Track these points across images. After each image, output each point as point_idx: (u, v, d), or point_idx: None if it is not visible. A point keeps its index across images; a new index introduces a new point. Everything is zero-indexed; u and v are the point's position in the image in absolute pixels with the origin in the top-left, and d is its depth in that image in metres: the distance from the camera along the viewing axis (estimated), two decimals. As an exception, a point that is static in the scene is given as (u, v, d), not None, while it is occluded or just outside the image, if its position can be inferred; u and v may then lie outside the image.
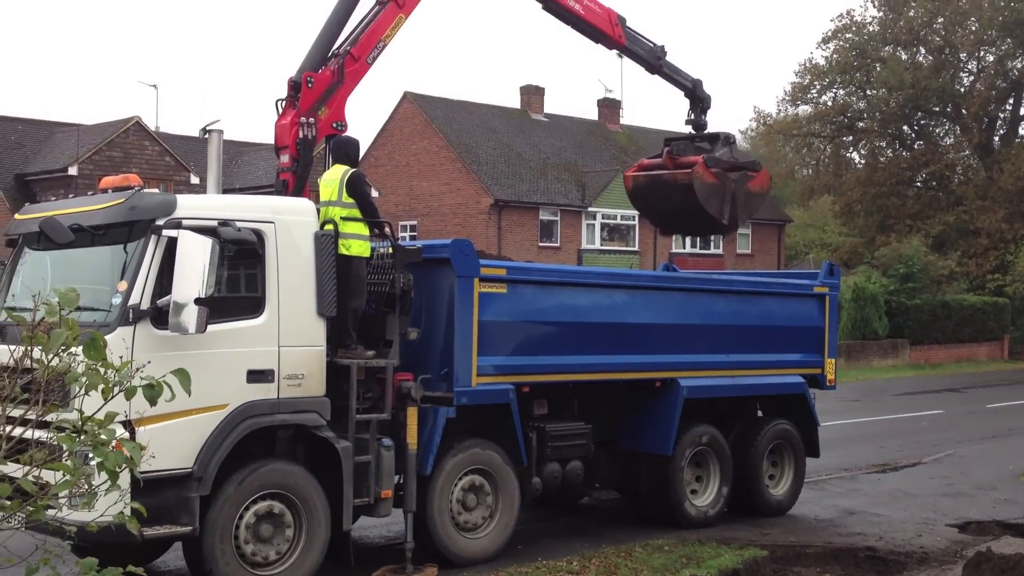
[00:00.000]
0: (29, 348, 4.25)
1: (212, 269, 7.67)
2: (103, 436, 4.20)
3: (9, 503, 4.11)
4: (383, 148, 41.92)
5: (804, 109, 53.71)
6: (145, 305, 7.75)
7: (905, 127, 54.02)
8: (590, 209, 40.16)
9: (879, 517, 12.22)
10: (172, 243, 7.82)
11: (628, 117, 47.83)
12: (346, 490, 8.65)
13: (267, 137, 10.84)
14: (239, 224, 8.19)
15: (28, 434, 4.62)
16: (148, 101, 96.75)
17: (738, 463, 11.87)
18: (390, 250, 9.40)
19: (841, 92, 53.17)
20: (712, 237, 39.28)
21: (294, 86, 10.09)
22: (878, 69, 51.29)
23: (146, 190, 8.40)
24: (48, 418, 4.60)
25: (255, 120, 73.74)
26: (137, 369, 4.35)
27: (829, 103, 53.18)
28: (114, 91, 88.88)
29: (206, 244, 7.68)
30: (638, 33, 12.90)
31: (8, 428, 4.30)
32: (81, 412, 4.26)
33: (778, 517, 12.17)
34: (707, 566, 9.75)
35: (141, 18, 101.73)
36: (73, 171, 31.12)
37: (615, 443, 11.31)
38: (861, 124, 53.23)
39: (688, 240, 41.46)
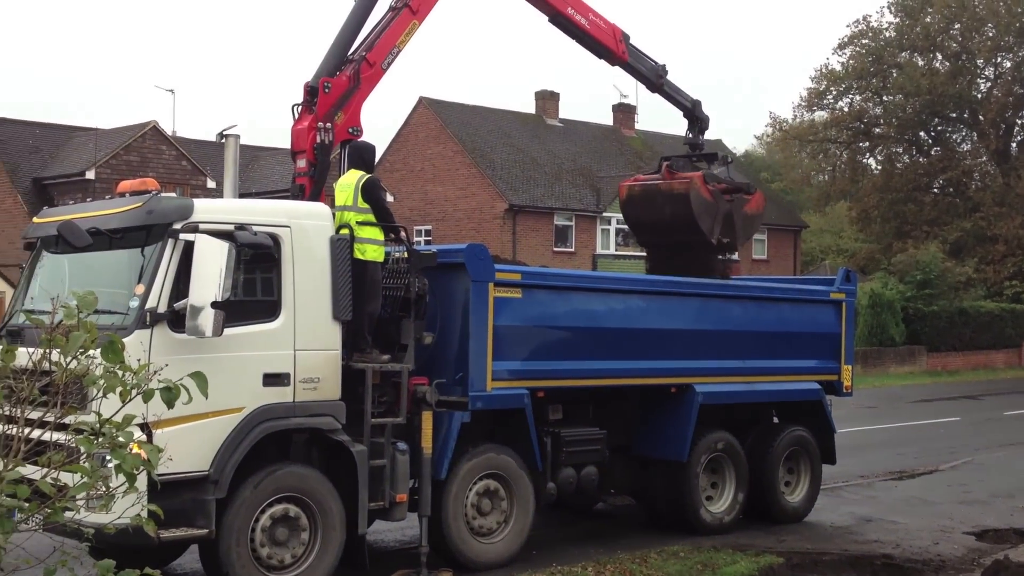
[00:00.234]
0: (48, 351, 4.27)
1: (229, 273, 7.70)
2: (121, 438, 4.22)
3: (28, 505, 4.12)
4: (398, 153, 42.01)
5: (820, 115, 53.59)
6: (162, 308, 7.79)
7: (922, 133, 53.82)
8: (605, 214, 40.13)
9: (896, 525, 12.15)
10: (189, 247, 7.86)
11: (643, 123, 47.79)
12: (361, 494, 8.65)
13: (283, 142, 10.89)
14: (255, 228, 8.22)
15: (46, 436, 4.65)
16: (165, 106, 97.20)
17: (754, 469, 11.83)
18: (405, 255, 9.42)
19: (857, 98, 53.02)
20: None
21: (311, 91, 10.13)
22: (894, 75, 51.13)
23: (163, 194, 8.44)
24: (66, 420, 4.62)
25: (271, 125, 74.00)
26: (155, 372, 4.36)
27: (845, 109, 53.02)
28: (131, 96, 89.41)
29: (223, 248, 7.71)
30: (641, 51, 13.03)
31: (27, 430, 4.32)
32: (99, 414, 4.28)
33: (794, 524, 12.12)
34: (723, 573, 9.72)
35: (158, 23, 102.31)
36: (91, 175, 31.29)
37: (630, 449, 11.29)
38: (878, 130, 53.06)
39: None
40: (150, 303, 7.77)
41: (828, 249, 60.88)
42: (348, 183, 9.36)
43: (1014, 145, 52.21)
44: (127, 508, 4.62)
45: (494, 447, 9.78)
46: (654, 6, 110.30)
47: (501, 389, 9.63)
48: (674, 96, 13.36)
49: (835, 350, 12.73)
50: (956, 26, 50.36)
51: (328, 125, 10.06)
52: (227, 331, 7.76)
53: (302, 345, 8.44)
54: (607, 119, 47.91)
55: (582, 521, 12.14)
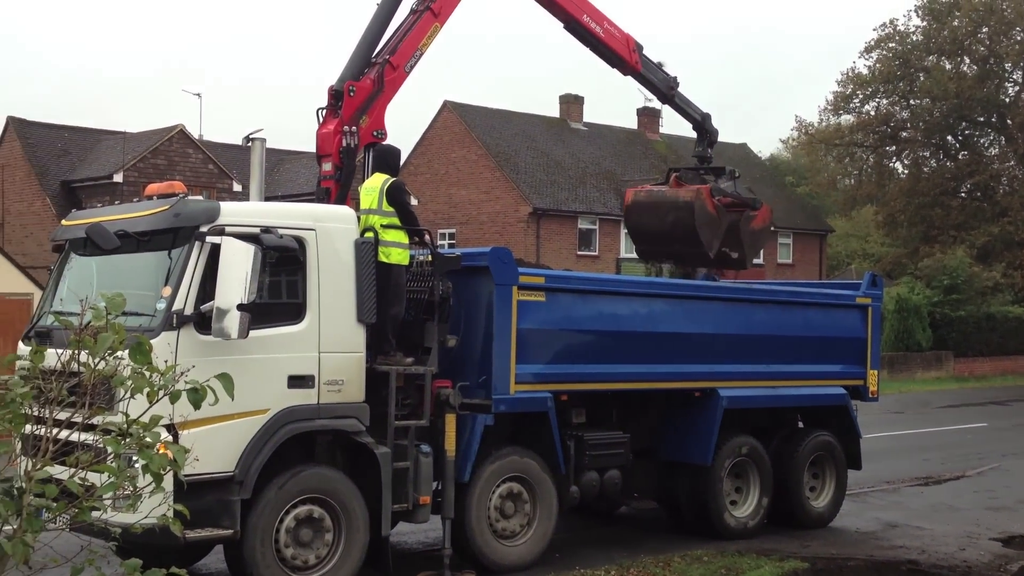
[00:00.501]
0: (76, 352, 4.31)
1: (254, 275, 7.76)
2: (148, 439, 4.26)
3: (56, 504, 4.17)
4: (422, 156, 42.11)
5: (846, 118, 53.23)
6: (189, 310, 7.85)
7: (949, 137, 53.37)
8: (629, 218, 40.02)
9: (922, 531, 12.07)
10: (215, 249, 7.92)
11: (668, 126, 47.67)
12: (385, 496, 8.69)
13: (309, 145, 10.91)
14: (281, 231, 8.27)
15: (74, 436, 4.70)
16: (192, 109, 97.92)
17: (778, 474, 11.78)
18: (429, 258, 9.45)
19: (884, 101, 52.63)
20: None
21: (335, 95, 10.18)
22: (922, 79, 50.74)
23: (190, 197, 8.51)
24: (94, 421, 4.67)
25: (297, 128, 74.31)
26: (181, 373, 4.40)
27: (872, 112, 52.65)
28: (159, 99, 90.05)
29: (249, 250, 7.77)
30: (653, 62, 13.09)
31: (55, 431, 4.37)
32: (126, 415, 4.32)
33: (819, 529, 12.06)
34: (746, 577, 9.68)
35: (185, 27, 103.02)
36: (118, 178, 31.54)
37: (654, 452, 11.27)
38: (904, 134, 52.67)
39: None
40: (177, 305, 7.84)
41: (854, 253, 60.49)
42: (373, 186, 9.40)
43: (1043, 149, 51.70)
44: (154, 508, 4.66)
45: (517, 450, 9.79)
46: (680, 9, 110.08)
47: (524, 392, 9.64)
48: (684, 108, 13.46)
49: (861, 355, 12.66)
50: (984, 30, 49.92)
51: (353, 128, 10.11)
52: (252, 333, 7.82)
53: (327, 347, 8.49)
54: (632, 123, 47.82)
55: (605, 525, 12.13)
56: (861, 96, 52.59)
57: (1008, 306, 43.17)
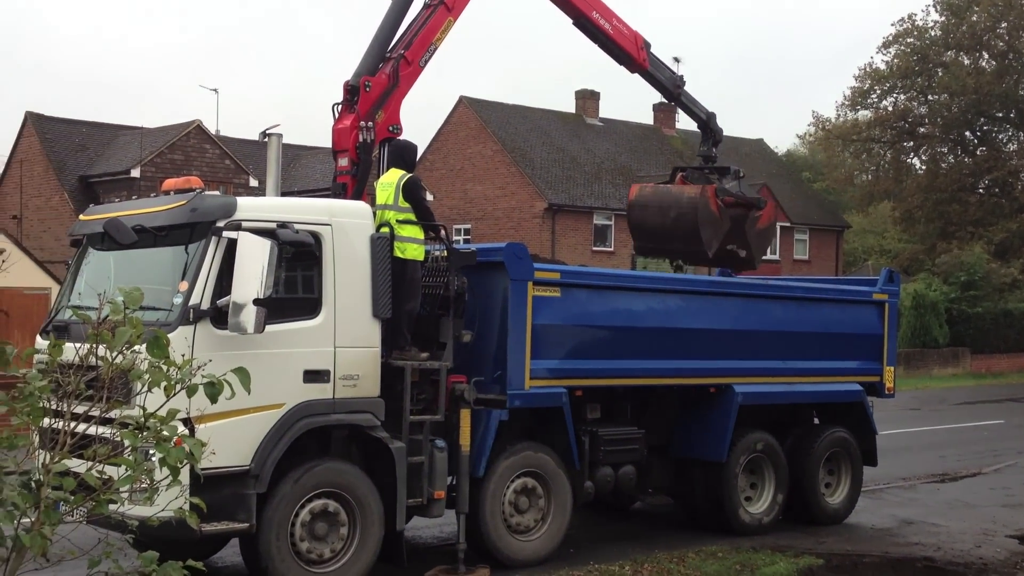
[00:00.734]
0: (94, 346, 4.35)
1: (271, 270, 7.78)
2: (165, 432, 4.30)
3: (73, 497, 4.21)
4: (438, 152, 42.13)
5: (864, 114, 52.96)
6: (205, 305, 7.88)
7: (967, 133, 53.04)
8: (645, 214, 39.93)
9: (937, 527, 12.03)
10: (232, 244, 7.94)
11: (684, 121, 47.54)
12: (400, 490, 8.71)
13: (324, 141, 10.96)
14: (297, 226, 8.30)
15: (92, 430, 4.73)
16: (209, 105, 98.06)
17: (794, 471, 11.76)
18: (445, 253, 9.46)
19: (902, 97, 52.34)
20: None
21: (351, 90, 10.20)
22: (940, 74, 50.42)
23: (207, 192, 8.54)
24: (111, 414, 4.71)
25: (312, 124, 74.51)
26: (198, 367, 4.43)
27: (890, 108, 52.37)
28: (176, 95, 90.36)
29: (265, 245, 7.80)
30: (661, 60, 13.11)
31: (73, 424, 4.41)
32: (143, 409, 4.36)
33: (834, 526, 12.03)
34: (761, 573, 9.68)
35: (202, 23, 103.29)
36: (136, 173, 31.68)
37: (668, 448, 11.26)
38: (922, 129, 52.37)
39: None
40: (193, 300, 7.87)
41: (871, 250, 60.24)
42: (389, 182, 9.42)
43: (1062, 145, 51.38)
44: (170, 501, 4.70)
45: (532, 445, 9.80)
46: (697, 5, 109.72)
47: (539, 388, 9.65)
48: (690, 107, 13.48)
49: (877, 351, 12.62)
50: (1003, 25, 49.58)
51: (369, 124, 10.13)
52: (268, 328, 7.85)
53: (342, 342, 8.51)
54: (648, 118, 47.72)
55: (620, 520, 12.13)
56: (879, 91, 52.31)
57: (1026, 302, 42.91)
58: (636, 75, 12.96)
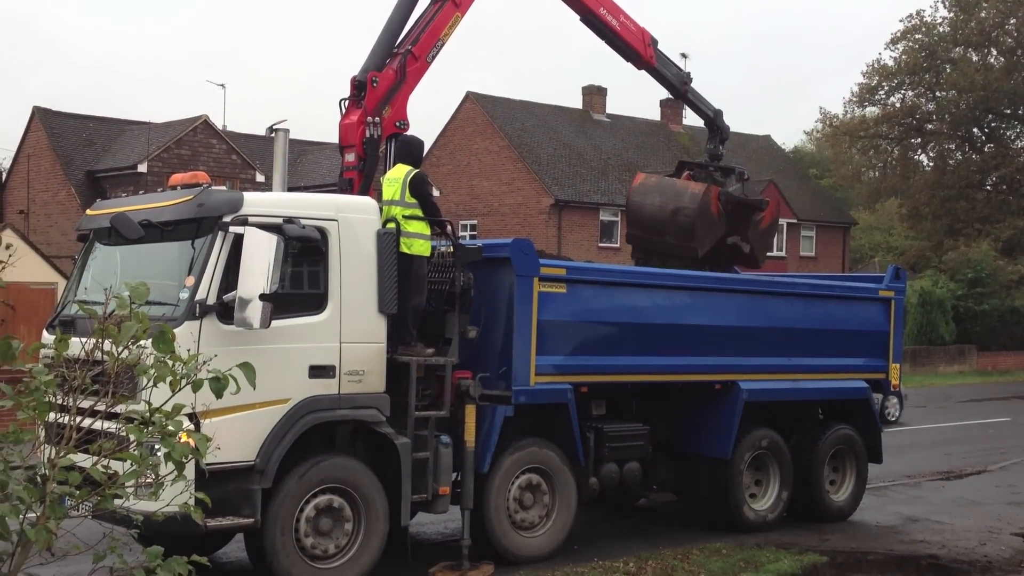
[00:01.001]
0: (100, 340, 4.36)
1: (277, 265, 7.80)
2: (170, 427, 4.30)
3: (79, 491, 4.22)
4: (445, 148, 42.13)
5: (872, 110, 52.81)
6: (211, 300, 7.89)
7: (975, 129, 52.88)
8: (651, 210, 39.89)
9: (942, 525, 12.02)
10: (238, 239, 7.95)
11: (691, 117, 47.46)
12: (404, 486, 8.72)
13: (331, 136, 10.95)
14: (303, 221, 8.30)
15: (97, 425, 4.74)
16: (216, 100, 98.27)
17: (798, 468, 11.75)
18: (451, 249, 9.47)
19: (910, 93, 52.18)
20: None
21: (358, 85, 10.20)
22: (948, 70, 50.27)
23: (214, 187, 8.55)
24: (117, 409, 4.72)
25: (320, 119, 74.60)
26: (204, 362, 4.44)
27: (897, 104, 52.20)
28: (183, 90, 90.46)
29: (271, 241, 7.81)
30: (667, 57, 13.12)
31: (78, 419, 4.42)
32: (149, 403, 4.37)
33: (839, 523, 12.03)
34: (765, 570, 9.68)
35: (210, 17, 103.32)
36: (143, 168, 31.75)
37: (673, 445, 11.26)
38: (930, 126, 52.22)
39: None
40: (200, 295, 7.88)
41: (878, 246, 60.13)
42: (395, 177, 9.42)
43: (1070, 142, 51.21)
44: (175, 496, 4.71)
45: (537, 441, 9.81)
46: (704, 2, 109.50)
47: (545, 384, 9.65)
48: (697, 104, 13.48)
49: (883, 348, 12.61)
50: (1012, 21, 49.39)
51: (376, 119, 10.13)
52: (274, 323, 7.86)
53: (348, 338, 8.52)
54: (655, 114, 47.67)
55: (624, 517, 12.14)
56: (886, 88, 52.15)
57: (1033, 300, 42.83)
58: (643, 71, 12.95)
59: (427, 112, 45.97)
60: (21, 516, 4.10)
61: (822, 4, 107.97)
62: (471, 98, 41.83)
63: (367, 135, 10.06)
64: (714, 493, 11.25)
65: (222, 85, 60.99)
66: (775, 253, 43.04)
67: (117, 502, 4.38)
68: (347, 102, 10.31)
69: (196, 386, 4.35)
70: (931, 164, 52.97)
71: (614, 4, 12.30)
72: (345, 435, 8.77)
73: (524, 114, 42.29)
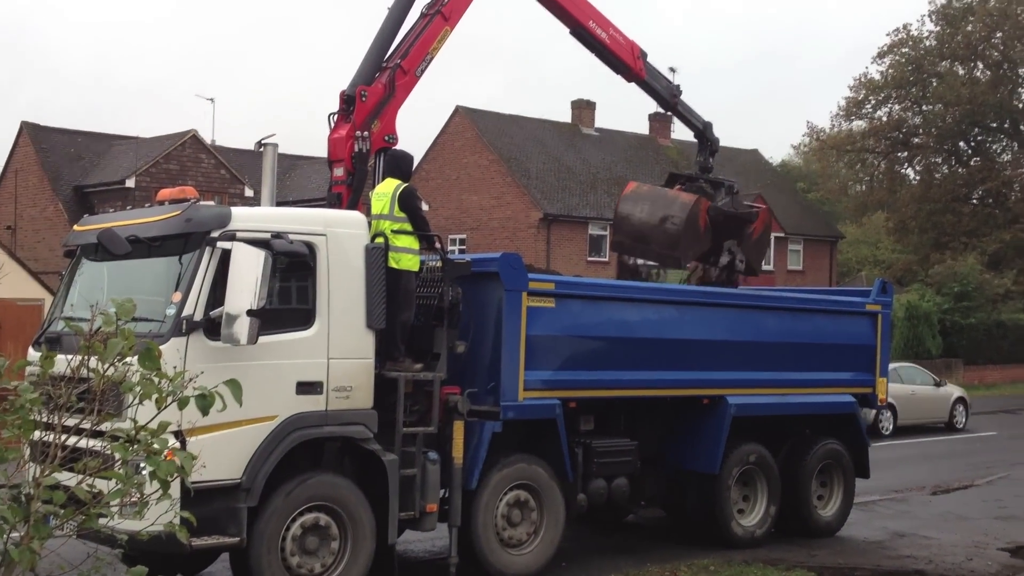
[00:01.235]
0: (86, 357, 4.33)
1: (264, 281, 7.76)
2: (156, 445, 4.28)
3: (63, 510, 4.19)
4: (434, 162, 42.14)
5: (858, 124, 53.08)
6: (198, 316, 7.86)
7: (961, 143, 53.20)
8: (640, 224, 39.94)
9: (929, 540, 12.03)
10: (226, 255, 7.93)
11: (679, 131, 47.51)
12: (392, 503, 8.68)
13: (320, 150, 10.94)
14: (292, 236, 8.29)
15: (83, 443, 4.72)
16: (205, 114, 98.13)
17: (786, 483, 11.75)
18: (439, 263, 9.46)
19: (896, 107, 52.48)
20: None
21: (347, 100, 10.19)
22: (934, 84, 50.58)
23: (202, 202, 8.53)
24: (102, 427, 4.69)
25: (308, 133, 74.54)
26: (190, 379, 4.42)
27: (884, 118, 52.49)
28: (172, 104, 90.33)
29: (259, 256, 7.78)
30: (657, 70, 13.17)
31: (63, 437, 4.39)
32: (135, 421, 4.34)
33: (826, 538, 12.02)
34: (754, 586, 9.66)
35: (199, 32, 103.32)
36: (131, 183, 31.66)
37: (661, 460, 11.25)
38: (916, 140, 52.50)
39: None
40: (187, 311, 7.85)
41: (865, 260, 60.33)
42: (385, 192, 9.42)
43: (1056, 156, 51.54)
44: (160, 515, 4.68)
45: (525, 457, 9.78)
46: (693, 14, 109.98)
47: (533, 399, 9.63)
48: (687, 117, 13.53)
49: (870, 362, 12.63)
50: (998, 35, 49.75)
51: (365, 133, 10.12)
52: (262, 339, 7.82)
53: (336, 354, 8.49)
54: (643, 128, 47.77)
55: (612, 533, 12.11)
56: (873, 101, 52.44)
57: (1019, 313, 43.02)
58: (633, 84, 12.99)
59: (417, 126, 46.03)
60: (5, 536, 4.07)
61: (810, 19, 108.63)
62: (460, 112, 41.87)
63: (356, 149, 10.05)
64: (702, 509, 11.24)
65: (211, 99, 60.76)
66: (763, 267, 43.17)
67: (102, 521, 4.35)
68: (336, 116, 10.30)
69: (182, 403, 4.32)
70: (917, 178, 53.25)
71: (603, 17, 12.34)
72: (332, 452, 8.73)
73: (513, 128, 42.34)
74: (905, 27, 51.59)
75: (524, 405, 9.56)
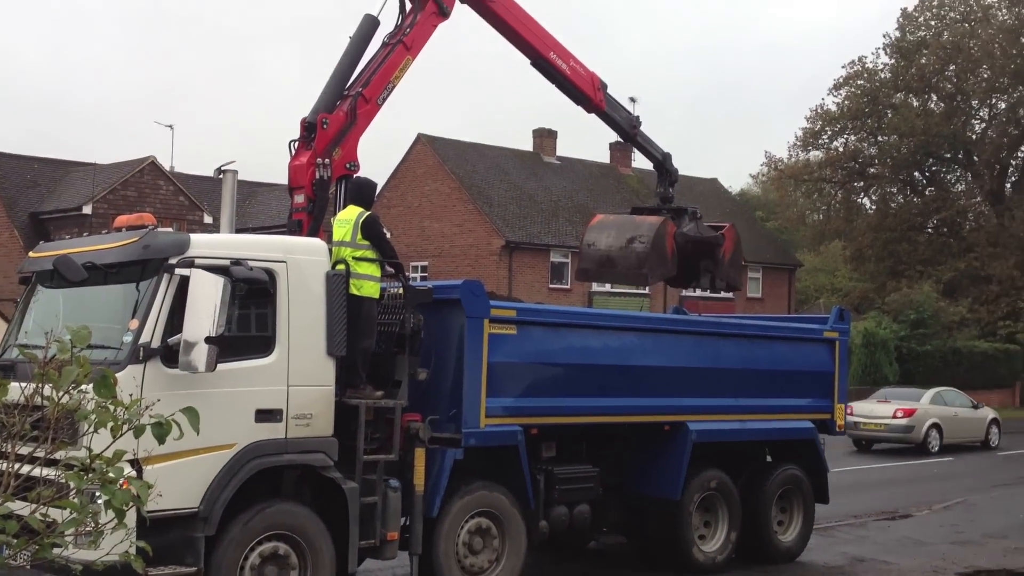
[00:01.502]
0: (40, 385, 4.27)
1: (223, 308, 7.70)
2: (111, 474, 4.21)
3: (16, 540, 4.11)
4: (396, 189, 42.15)
5: (815, 154, 53.86)
6: (156, 343, 7.77)
7: (916, 173, 54.10)
8: (601, 252, 40.13)
9: (888, 565, 12.10)
10: (184, 281, 7.85)
11: (640, 160, 47.93)
12: (352, 532, 8.60)
13: (280, 177, 10.89)
14: (251, 263, 8.23)
15: (36, 472, 4.63)
16: (164, 141, 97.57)
17: (747, 508, 11.79)
18: (401, 290, 9.43)
19: (852, 138, 53.32)
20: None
21: (308, 127, 10.17)
22: (889, 115, 51.45)
23: (160, 229, 8.46)
24: (56, 456, 4.62)
25: (268, 161, 74.32)
26: (146, 407, 4.36)
27: (840, 149, 53.29)
28: (130, 131, 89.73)
29: (218, 283, 7.72)
30: (617, 101, 13.27)
31: (17, 465, 4.32)
32: (90, 450, 4.28)
33: (787, 564, 12.07)
34: (715, 613, 9.65)
35: (158, 59, 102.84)
36: (88, 210, 31.36)
37: (623, 486, 11.25)
38: (872, 170, 53.32)
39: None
40: (144, 338, 7.76)
41: (822, 288, 61.01)
42: (347, 218, 9.39)
43: (1008, 186, 52.51)
44: (116, 544, 4.60)
45: (487, 485, 9.74)
46: (652, 44, 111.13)
47: (495, 426, 9.61)
48: (646, 147, 13.66)
49: (828, 389, 12.74)
50: (951, 67, 50.76)
51: (326, 161, 10.10)
52: (220, 366, 7.75)
53: (296, 381, 8.42)
54: (604, 157, 48.12)
55: (574, 559, 12.08)
56: (830, 132, 53.26)
57: (974, 340, 43.63)
58: (593, 115, 13.08)
59: (378, 154, 46.06)
60: (-44, 567, 3.99)
61: (768, 50, 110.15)
62: (422, 140, 41.96)
63: (317, 176, 10.01)
64: (664, 535, 11.24)
65: (170, 126, 60.45)
66: (722, 295, 43.47)
67: (56, 551, 4.27)
68: (297, 144, 10.26)
69: (138, 432, 4.26)
70: (874, 207, 54.06)
71: (564, 49, 12.44)
72: (292, 480, 8.64)
73: (475, 156, 42.48)
74: (860, 59, 52.57)
75: (486, 432, 9.54)
